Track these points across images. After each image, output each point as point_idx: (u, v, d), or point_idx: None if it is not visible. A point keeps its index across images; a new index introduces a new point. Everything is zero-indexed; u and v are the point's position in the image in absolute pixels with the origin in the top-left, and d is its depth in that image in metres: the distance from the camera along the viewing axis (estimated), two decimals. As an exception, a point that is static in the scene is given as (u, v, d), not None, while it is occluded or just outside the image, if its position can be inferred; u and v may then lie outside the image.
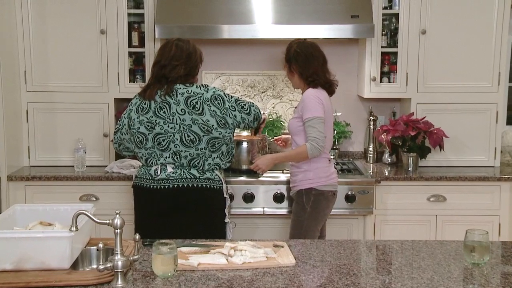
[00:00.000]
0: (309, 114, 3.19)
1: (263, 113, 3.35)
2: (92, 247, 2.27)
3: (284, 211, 3.67)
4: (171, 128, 2.96)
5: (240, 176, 3.70)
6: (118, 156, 3.99)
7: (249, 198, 3.66)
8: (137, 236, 2.06)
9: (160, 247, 1.90)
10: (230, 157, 3.14)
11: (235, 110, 3.02)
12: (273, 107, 4.39)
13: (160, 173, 3.00)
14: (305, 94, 3.27)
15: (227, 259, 2.15)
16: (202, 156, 3.00)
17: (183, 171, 2.99)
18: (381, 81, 4.11)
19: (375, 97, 4.16)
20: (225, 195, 3.10)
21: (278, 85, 4.38)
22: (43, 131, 4.03)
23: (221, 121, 2.97)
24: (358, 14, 3.80)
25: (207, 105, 2.96)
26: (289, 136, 3.57)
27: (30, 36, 3.92)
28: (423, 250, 2.34)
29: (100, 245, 1.97)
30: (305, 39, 3.42)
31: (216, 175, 3.05)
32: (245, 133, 4.10)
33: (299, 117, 3.27)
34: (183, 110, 2.95)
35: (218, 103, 2.98)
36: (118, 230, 1.95)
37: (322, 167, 3.30)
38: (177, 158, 2.99)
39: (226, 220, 3.12)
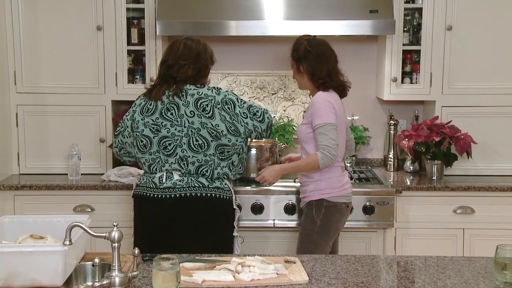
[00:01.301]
0: (320, 120, 3.18)
1: (274, 116, 3.36)
2: (87, 263, 2.28)
3: (296, 224, 3.66)
4: (178, 131, 2.98)
5: (248, 186, 3.70)
6: (116, 164, 4.00)
7: (258, 209, 3.65)
8: (136, 251, 2.06)
9: (161, 263, 1.90)
10: (242, 169, 3.18)
11: (246, 117, 3.03)
12: (284, 110, 4.39)
13: (166, 181, 3.01)
14: (315, 98, 3.27)
15: (234, 276, 2.15)
16: (211, 163, 3.01)
17: (191, 179, 3.00)
18: (402, 82, 4.10)
19: (395, 99, 4.15)
20: (234, 206, 3.11)
21: (290, 86, 4.38)
22: (34, 136, 4.05)
23: (231, 127, 2.99)
24: (377, 8, 3.80)
25: (218, 109, 2.98)
26: (299, 155, 3.57)
27: (20, 33, 3.94)
28: (449, 267, 2.33)
29: (96, 260, 1.98)
30: (314, 36, 3.42)
31: (225, 184, 3.07)
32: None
33: (309, 123, 3.26)
34: (192, 112, 2.96)
35: (228, 108, 3.00)
36: (116, 244, 1.95)
37: (335, 177, 3.30)
38: (184, 164, 3.00)
39: (235, 233, 3.12)
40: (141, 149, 3.05)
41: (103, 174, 3.96)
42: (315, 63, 3.27)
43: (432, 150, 3.93)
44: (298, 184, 3.63)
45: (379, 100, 4.37)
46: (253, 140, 3.22)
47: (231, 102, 3.01)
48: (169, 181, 3.00)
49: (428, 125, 3.95)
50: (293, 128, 4.33)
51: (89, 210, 3.79)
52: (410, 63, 4.13)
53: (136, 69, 4.12)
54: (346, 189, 3.34)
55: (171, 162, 3.01)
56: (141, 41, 4.04)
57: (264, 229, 3.71)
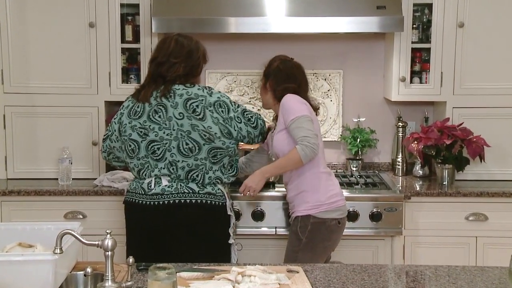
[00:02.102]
0: (292, 116, 3.14)
1: (270, 121, 3.35)
2: (78, 272, 2.28)
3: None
4: (167, 134, 2.98)
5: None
6: (109, 168, 4.00)
7: (259, 216, 3.66)
8: (131, 260, 2.06)
9: (157, 272, 1.89)
10: (234, 170, 3.18)
11: (241, 122, 3.04)
12: (287, 112, 4.39)
13: (154, 186, 3.01)
14: (283, 100, 3.23)
15: (233, 286, 2.15)
16: (202, 167, 3.01)
17: (181, 185, 3.00)
18: (411, 82, 4.11)
19: (404, 100, 4.15)
20: (229, 213, 3.10)
21: (293, 86, 4.38)
22: (23, 138, 4.05)
23: (224, 130, 2.99)
24: (384, 4, 3.80)
25: (210, 110, 2.97)
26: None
27: (7, 30, 3.95)
28: (460, 277, 2.33)
29: (88, 269, 1.97)
30: (292, 58, 3.43)
31: (218, 189, 3.07)
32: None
33: (283, 128, 3.22)
34: (181, 114, 2.96)
35: (222, 111, 3.00)
36: (109, 253, 1.95)
37: (323, 187, 3.24)
38: (173, 169, 3.00)
39: (231, 241, 3.12)
40: (130, 154, 3.06)
41: (95, 179, 3.96)
42: (282, 82, 3.28)
43: (442, 153, 3.93)
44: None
45: (387, 101, 4.38)
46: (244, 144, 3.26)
47: (225, 105, 3.02)
48: (157, 187, 3.00)
49: (439, 127, 3.95)
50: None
51: (81, 216, 3.79)
52: (420, 62, 4.13)
53: (131, 68, 4.13)
54: (336, 202, 3.26)
55: (161, 167, 3.01)
56: (136, 38, 4.04)
57: (265, 236, 3.71)
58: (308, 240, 3.23)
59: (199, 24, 3.80)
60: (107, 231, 1.98)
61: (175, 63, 3.03)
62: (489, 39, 3.98)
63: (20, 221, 3.11)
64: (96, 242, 1.96)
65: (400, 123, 4.30)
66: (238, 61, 4.40)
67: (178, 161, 2.98)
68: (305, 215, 3.23)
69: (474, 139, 3.91)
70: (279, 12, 3.83)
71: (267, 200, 3.67)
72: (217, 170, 3.05)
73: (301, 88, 3.32)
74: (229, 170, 3.11)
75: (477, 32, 3.97)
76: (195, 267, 2.38)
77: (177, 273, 2.12)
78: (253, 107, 4.38)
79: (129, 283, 2.04)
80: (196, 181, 3.02)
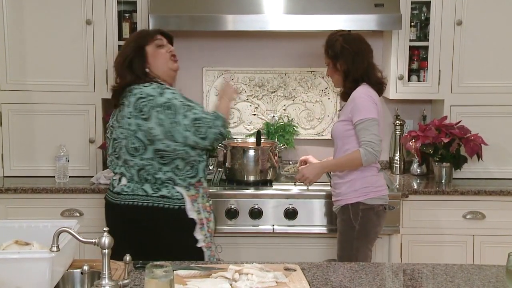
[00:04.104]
0: (361, 116, 3.19)
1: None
2: (75, 270, 2.28)
3: (297, 229, 3.67)
4: (121, 133, 2.98)
5: (247, 189, 3.71)
6: (106, 166, 3.99)
7: (256, 214, 3.66)
8: (128, 258, 2.06)
9: (154, 270, 1.89)
10: (195, 172, 3.01)
11: (187, 131, 2.87)
12: (284, 109, 4.40)
13: (116, 185, 3.04)
14: (355, 93, 3.27)
15: (231, 284, 2.15)
16: (150, 168, 2.94)
17: (136, 186, 2.97)
18: (409, 80, 4.11)
19: (402, 98, 4.15)
20: (191, 216, 2.99)
21: (290, 84, 4.38)
22: (19, 136, 4.05)
23: (168, 133, 2.87)
24: (382, 2, 3.80)
25: (156, 111, 2.87)
26: (308, 157, 3.63)
27: (4, 27, 3.94)
28: (458, 276, 2.33)
29: (85, 267, 1.97)
30: (349, 31, 3.43)
31: (176, 192, 2.97)
32: (251, 139, 4.12)
33: (347, 120, 3.26)
34: (130, 113, 2.93)
35: (169, 114, 2.87)
36: (106, 251, 1.95)
37: (370, 176, 3.29)
38: (127, 168, 2.99)
39: (200, 244, 3.00)
40: (107, 151, 3.13)
41: (92, 176, 3.96)
42: (352, 61, 3.28)
43: (440, 152, 3.94)
44: (300, 187, 3.64)
45: (385, 99, 4.37)
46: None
47: (174, 109, 2.87)
48: (118, 186, 3.02)
49: (436, 126, 3.95)
50: (293, 128, 4.33)
51: (78, 214, 3.79)
52: (418, 60, 4.14)
53: (128, 65, 4.12)
54: (382, 191, 3.33)
55: (120, 165, 3.02)
56: (133, 36, 4.04)
57: (263, 235, 3.72)
58: (361, 226, 3.26)
59: (196, 21, 3.80)
60: (104, 229, 1.98)
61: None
62: (487, 37, 3.98)
63: (16, 219, 3.10)
64: (93, 240, 1.96)
65: (398, 121, 4.30)
66: (235, 59, 4.40)
67: (129, 160, 2.97)
68: (354, 203, 3.27)
69: (472, 138, 3.91)
70: (277, 10, 3.83)
71: (265, 198, 3.68)
72: (169, 171, 2.94)
73: (369, 67, 3.33)
74: (187, 172, 2.98)
75: (475, 30, 3.98)
76: (192, 265, 2.38)
77: (174, 271, 2.12)
78: (250, 105, 4.38)
79: (126, 281, 2.04)
80: (150, 182, 2.96)
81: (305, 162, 3.66)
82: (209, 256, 3.01)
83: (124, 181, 3.01)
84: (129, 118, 2.92)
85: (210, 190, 3.70)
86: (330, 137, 4.24)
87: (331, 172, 3.48)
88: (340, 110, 3.47)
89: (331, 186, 3.49)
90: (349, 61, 3.29)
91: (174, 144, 2.89)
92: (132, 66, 3.03)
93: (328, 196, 3.57)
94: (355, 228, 3.27)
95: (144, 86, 2.95)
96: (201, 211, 3.03)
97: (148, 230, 2.96)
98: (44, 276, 2.02)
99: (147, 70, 3.05)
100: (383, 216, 3.34)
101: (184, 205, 2.97)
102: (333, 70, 3.36)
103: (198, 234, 3.00)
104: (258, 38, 4.33)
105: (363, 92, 3.25)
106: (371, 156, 3.15)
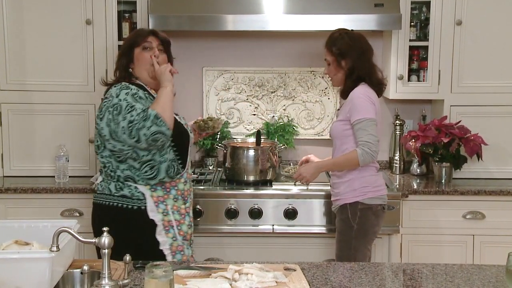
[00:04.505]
0: (359, 116, 3.19)
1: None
2: (75, 270, 2.28)
3: (297, 229, 3.67)
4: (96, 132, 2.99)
5: (246, 189, 3.71)
6: (106, 165, 4.00)
7: (256, 214, 3.66)
8: (128, 257, 2.06)
9: (154, 270, 1.90)
10: (154, 173, 2.89)
11: (124, 134, 2.79)
12: (284, 109, 4.40)
13: (96, 180, 3.07)
14: (354, 93, 3.27)
15: (231, 284, 2.15)
16: (109, 165, 2.92)
17: (105, 185, 2.97)
18: (409, 80, 4.11)
19: (402, 98, 4.15)
20: (151, 217, 2.90)
21: (290, 84, 4.38)
22: (19, 136, 4.05)
23: (113, 133, 2.83)
24: (382, 2, 3.80)
25: (108, 111, 2.84)
26: (310, 156, 3.65)
27: (4, 27, 3.94)
28: (458, 276, 2.33)
29: (85, 267, 1.97)
30: (352, 30, 3.42)
31: (138, 192, 2.90)
32: (251, 139, 4.12)
33: (345, 120, 3.27)
34: (97, 113, 2.94)
35: (116, 114, 2.82)
36: (106, 251, 1.95)
37: (369, 176, 3.31)
38: (101, 166, 3.03)
39: (162, 247, 2.91)
40: None
41: (92, 176, 3.95)
42: (357, 59, 3.29)
43: (440, 151, 3.94)
44: (300, 187, 3.65)
45: (385, 99, 4.37)
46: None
47: (119, 109, 2.81)
48: (96, 184, 3.05)
49: (436, 126, 3.95)
50: (293, 128, 4.33)
51: (78, 214, 3.79)
52: (417, 60, 4.14)
53: (128, 65, 4.12)
54: (381, 190, 3.34)
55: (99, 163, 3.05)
56: (133, 36, 4.04)
57: (263, 234, 3.71)
58: (360, 226, 3.27)
59: (196, 21, 3.80)
60: (104, 229, 1.98)
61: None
62: (487, 37, 3.98)
63: (16, 219, 3.10)
64: (93, 240, 1.96)
65: (397, 121, 4.30)
66: (235, 59, 4.40)
67: (98, 158, 2.99)
68: (353, 202, 3.28)
69: (472, 137, 3.91)
70: (277, 10, 3.83)
71: (265, 198, 3.68)
72: (126, 169, 2.90)
73: (371, 67, 3.34)
74: (146, 172, 2.88)
75: (475, 30, 3.98)
76: (192, 265, 2.38)
77: (174, 271, 2.12)
78: (250, 105, 4.38)
79: (125, 281, 2.04)
80: (114, 181, 2.93)
81: (306, 161, 3.67)
82: (179, 261, 2.92)
83: (100, 179, 3.03)
84: (96, 117, 2.94)
85: (210, 191, 3.70)
86: (329, 137, 4.26)
87: (330, 172, 3.49)
88: (338, 109, 3.47)
89: (330, 186, 3.49)
90: (355, 59, 3.28)
91: (120, 144, 2.84)
92: (120, 65, 3.04)
93: (328, 196, 3.57)
94: (353, 228, 3.27)
95: (114, 86, 2.95)
96: (169, 213, 2.93)
97: (111, 230, 2.91)
98: (44, 276, 2.02)
99: (130, 70, 3.03)
100: (381, 215, 3.35)
101: (145, 205, 2.90)
102: (336, 68, 3.34)
103: (161, 237, 2.92)
104: (258, 38, 4.33)
105: (362, 92, 3.25)
106: (368, 156, 3.16)
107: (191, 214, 3.06)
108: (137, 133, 2.75)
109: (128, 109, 2.80)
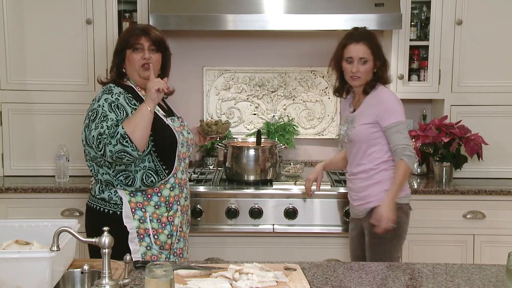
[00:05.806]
0: (395, 119, 3.15)
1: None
2: (75, 270, 2.28)
3: (297, 229, 3.67)
4: None
5: (247, 189, 3.71)
6: (106, 165, 4.00)
7: (256, 213, 3.66)
8: (128, 257, 2.06)
9: (154, 270, 1.89)
10: (132, 181, 2.82)
11: (93, 144, 2.74)
12: (285, 109, 4.40)
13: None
14: (384, 96, 3.21)
15: (231, 284, 2.15)
16: (92, 169, 2.91)
17: (93, 186, 2.97)
18: (409, 80, 4.11)
19: (402, 97, 4.09)
20: (125, 223, 2.83)
21: (290, 83, 4.38)
22: (20, 135, 4.05)
23: (87, 139, 2.78)
24: (383, 2, 3.81)
25: (88, 116, 2.82)
26: (317, 175, 3.53)
27: (4, 27, 3.94)
28: (458, 275, 2.33)
29: (85, 267, 1.97)
30: (364, 27, 3.37)
31: (117, 196, 2.85)
32: (251, 138, 4.12)
33: (373, 122, 3.19)
34: None
35: (91, 121, 2.77)
36: (106, 250, 1.95)
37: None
38: None
39: (135, 255, 2.79)
40: None
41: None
42: (384, 59, 3.28)
43: (440, 151, 3.94)
44: (300, 187, 3.64)
45: (385, 98, 4.38)
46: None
47: (94, 116, 2.77)
48: (92, 183, 3.05)
49: (437, 125, 3.95)
50: (293, 128, 4.33)
51: (78, 214, 3.79)
52: (418, 60, 4.14)
53: (128, 65, 4.11)
54: (407, 189, 3.31)
55: None
56: (133, 35, 4.03)
57: (263, 234, 3.71)
58: (395, 228, 3.17)
59: (196, 21, 3.80)
60: (104, 229, 1.98)
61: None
62: (487, 37, 3.98)
63: (16, 219, 3.10)
64: (93, 240, 1.96)
65: (398, 121, 4.30)
66: (235, 58, 4.40)
67: None
68: None
69: (472, 137, 3.92)
70: (277, 9, 3.83)
71: (265, 198, 3.68)
72: (105, 174, 2.84)
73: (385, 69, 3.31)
74: (121, 180, 2.82)
75: (475, 30, 3.98)
76: (192, 264, 2.38)
77: (174, 271, 2.12)
78: (250, 105, 4.38)
79: (126, 281, 2.04)
80: (98, 183, 2.91)
81: (315, 180, 3.56)
82: (178, 261, 2.87)
83: (93, 180, 3.02)
84: None
85: (210, 190, 3.70)
86: (330, 137, 4.27)
87: (351, 176, 3.33)
88: (352, 112, 3.31)
89: (349, 191, 3.38)
90: (383, 58, 3.27)
91: (92, 151, 2.79)
92: (113, 65, 3.02)
93: (328, 196, 3.57)
94: (389, 230, 3.17)
95: (102, 87, 2.93)
96: (147, 220, 2.84)
97: (92, 231, 2.89)
98: (45, 276, 2.02)
99: (123, 70, 2.99)
100: (409, 214, 3.30)
101: (120, 211, 2.83)
102: (372, 66, 3.23)
103: (134, 245, 2.83)
104: (258, 38, 4.33)
105: (391, 95, 3.24)
106: (412, 159, 3.15)
107: (176, 222, 2.92)
108: (104, 147, 2.69)
109: (101, 119, 2.74)
